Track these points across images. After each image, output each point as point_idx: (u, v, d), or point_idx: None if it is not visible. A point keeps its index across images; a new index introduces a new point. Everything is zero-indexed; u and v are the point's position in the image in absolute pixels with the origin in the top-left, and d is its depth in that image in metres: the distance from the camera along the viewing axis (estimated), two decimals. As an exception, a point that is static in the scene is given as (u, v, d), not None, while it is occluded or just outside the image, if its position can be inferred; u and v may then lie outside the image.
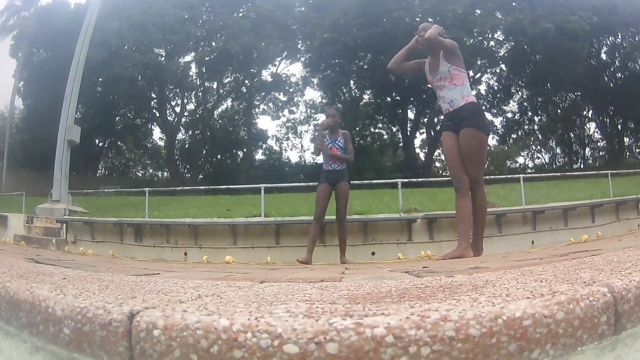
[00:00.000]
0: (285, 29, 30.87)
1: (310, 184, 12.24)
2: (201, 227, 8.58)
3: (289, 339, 0.72)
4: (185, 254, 8.39)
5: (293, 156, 40.78)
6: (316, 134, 6.94)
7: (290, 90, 35.43)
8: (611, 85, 35.33)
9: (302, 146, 39.57)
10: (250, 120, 35.68)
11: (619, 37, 35.52)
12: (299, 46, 33.11)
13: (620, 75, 35.92)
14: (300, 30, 31.89)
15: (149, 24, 28.58)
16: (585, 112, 40.76)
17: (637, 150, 40.33)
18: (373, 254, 7.91)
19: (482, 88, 37.42)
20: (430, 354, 0.71)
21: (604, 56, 36.43)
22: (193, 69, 32.55)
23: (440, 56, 4.25)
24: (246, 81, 33.77)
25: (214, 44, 31.41)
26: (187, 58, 32.19)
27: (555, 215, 9.06)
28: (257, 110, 36.08)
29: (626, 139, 39.00)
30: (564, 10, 29.04)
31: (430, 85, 4.51)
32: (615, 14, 31.48)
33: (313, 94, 37.81)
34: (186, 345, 0.77)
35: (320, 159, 6.92)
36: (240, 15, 31.32)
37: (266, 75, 34.61)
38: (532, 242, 8.39)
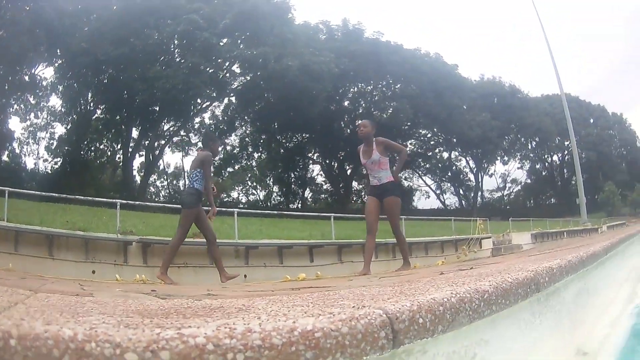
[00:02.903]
0: (47, 28, 28.07)
1: (49, 194, 11.41)
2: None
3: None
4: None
5: (29, 162, 39.38)
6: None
7: (40, 94, 34.68)
8: (348, 131, 38.77)
9: (38, 153, 39.18)
10: (5, 119, 33.46)
11: (371, 84, 39.32)
12: (57, 50, 30.77)
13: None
14: (61, 34, 29.15)
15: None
16: (311, 154, 43.74)
17: (366, 196, 46.52)
18: (94, 272, 7.79)
19: (207, 116, 38.88)
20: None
21: (346, 102, 40.20)
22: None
23: (373, 148, 6.11)
24: (9, 77, 30.72)
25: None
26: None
27: (270, 251, 9.86)
28: (11, 110, 34.29)
29: (355, 184, 43.56)
30: (315, 51, 31.02)
31: (363, 165, 6.37)
32: (373, 62, 34.74)
33: (57, 101, 36.88)
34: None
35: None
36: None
37: (25, 74, 32.24)
38: (245, 276, 8.95)
